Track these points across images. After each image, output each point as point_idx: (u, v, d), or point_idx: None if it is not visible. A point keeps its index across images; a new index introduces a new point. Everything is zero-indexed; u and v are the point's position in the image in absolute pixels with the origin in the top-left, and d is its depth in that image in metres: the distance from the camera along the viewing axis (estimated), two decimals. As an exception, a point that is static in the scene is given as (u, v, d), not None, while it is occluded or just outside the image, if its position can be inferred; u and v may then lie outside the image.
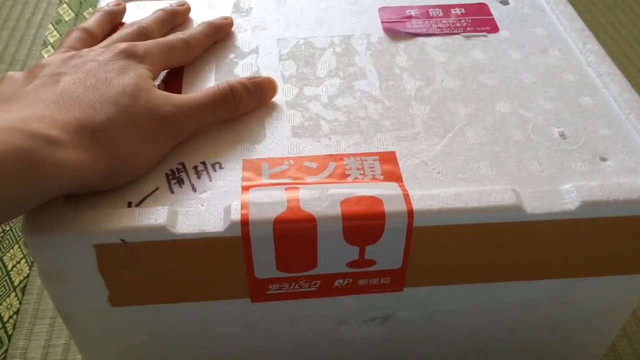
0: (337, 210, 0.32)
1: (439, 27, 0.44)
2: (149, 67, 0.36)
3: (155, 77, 0.37)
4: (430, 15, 0.45)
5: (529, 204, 0.33)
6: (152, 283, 0.34)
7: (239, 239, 0.32)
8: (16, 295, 0.52)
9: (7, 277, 0.54)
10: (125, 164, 0.33)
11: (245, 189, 0.33)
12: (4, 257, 0.55)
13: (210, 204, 0.33)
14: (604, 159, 0.35)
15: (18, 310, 0.51)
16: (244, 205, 0.32)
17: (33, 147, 0.28)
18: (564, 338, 0.42)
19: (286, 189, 0.33)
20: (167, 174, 0.34)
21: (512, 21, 0.45)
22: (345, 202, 0.32)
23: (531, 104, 0.39)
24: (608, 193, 0.33)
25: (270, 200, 0.32)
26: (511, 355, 0.43)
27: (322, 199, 0.32)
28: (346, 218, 0.32)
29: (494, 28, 0.45)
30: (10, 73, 0.35)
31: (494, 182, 0.34)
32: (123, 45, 0.36)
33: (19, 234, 0.57)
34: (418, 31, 0.44)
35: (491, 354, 0.43)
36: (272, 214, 0.32)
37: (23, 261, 0.55)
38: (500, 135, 0.37)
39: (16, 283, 0.53)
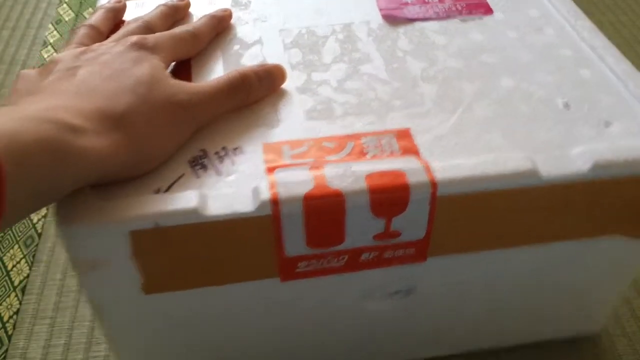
0: (363, 185, 0.33)
1: (435, 12, 0.46)
2: (161, 58, 0.37)
3: (166, 69, 0.37)
4: (426, 1, 0.47)
5: (543, 169, 0.34)
6: (183, 268, 0.34)
7: (269, 217, 0.32)
8: (16, 295, 0.52)
9: (7, 277, 0.53)
10: (146, 152, 0.33)
11: (270, 170, 0.34)
12: (4, 257, 0.55)
13: (237, 186, 0.33)
14: (608, 125, 0.37)
15: (18, 310, 0.51)
16: (272, 185, 0.33)
17: (58, 136, 0.28)
18: (575, 300, 0.44)
19: (310, 168, 0.34)
20: (189, 161, 0.35)
21: (506, 4, 0.47)
22: (369, 176, 0.33)
23: (533, 79, 0.40)
24: (617, 154, 0.35)
25: (296, 179, 0.33)
26: (524, 320, 0.45)
27: (346, 175, 0.33)
28: (372, 191, 0.33)
29: (488, 11, 0.46)
30: (24, 71, 0.35)
31: (507, 151, 0.35)
32: (134, 37, 0.37)
33: (19, 234, 0.57)
34: (416, 16, 0.45)
35: (505, 320, 0.45)
36: (301, 191, 0.32)
37: (23, 261, 0.54)
38: (508, 108, 0.38)
39: (16, 283, 0.53)
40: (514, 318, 0.44)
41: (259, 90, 0.39)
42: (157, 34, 0.39)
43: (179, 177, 0.34)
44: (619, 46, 0.42)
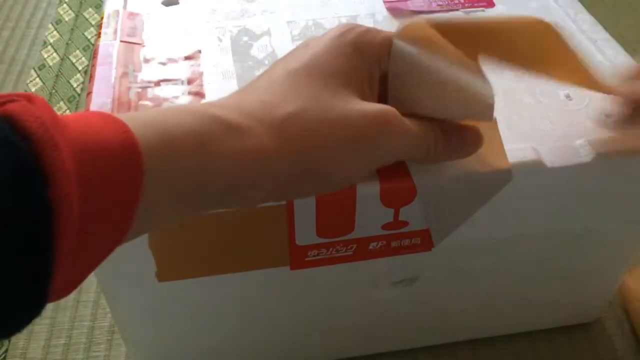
0: (374, 175, 0.34)
1: (438, 5, 0.47)
2: None
3: None
4: (430, -7, 0.48)
5: (547, 159, 0.35)
6: (198, 256, 0.35)
7: (283, 207, 0.33)
8: (17, 295, 0.52)
9: (7, 278, 0.54)
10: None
11: (282, 160, 0.35)
12: (4, 258, 0.55)
13: (252, 176, 0.34)
14: (608, 116, 0.38)
15: None
16: (285, 175, 0.34)
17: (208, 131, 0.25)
18: (575, 287, 0.45)
19: None
20: None
21: (507, -4, 0.48)
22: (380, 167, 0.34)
23: (535, 71, 0.41)
24: (617, 144, 0.36)
25: (309, 169, 0.34)
26: (524, 309, 0.46)
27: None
28: (383, 181, 0.34)
29: (490, 3, 0.47)
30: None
31: (512, 141, 0.36)
32: None
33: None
34: (420, 9, 0.46)
35: (508, 307, 0.46)
36: (314, 181, 0.33)
37: (23, 261, 0.55)
38: (512, 100, 0.39)
39: (16, 283, 0.53)
40: (514, 307, 0.46)
41: None
42: None
43: None
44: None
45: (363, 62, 0.30)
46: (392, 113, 0.29)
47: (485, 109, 0.32)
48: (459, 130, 0.32)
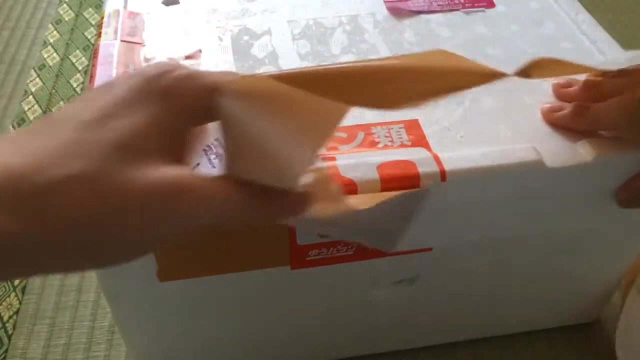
0: (375, 175, 0.34)
1: (439, 5, 0.47)
2: None
3: None
4: (430, -7, 0.48)
5: (548, 160, 0.35)
6: (199, 256, 0.35)
7: (284, 206, 0.33)
8: (16, 295, 0.52)
9: (6, 277, 0.54)
10: None
11: (283, 160, 0.35)
12: (4, 258, 0.55)
13: (252, 176, 0.34)
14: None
15: (18, 310, 0.51)
16: (286, 175, 0.34)
17: None
18: (575, 287, 0.45)
19: (323, 158, 0.35)
20: (204, 150, 0.35)
21: (507, -4, 0.48)
22: (381, 166, 0.34)
23: (536, 71, 0.41)
24: (618, 145, 0.36)
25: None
26: (526, 307, 0.46)
27: (359, 165, 0.34)
28: (384, 181, 0.34)
29: (490, 4, 0.47)
30: None
31: (514, 142, 0.36)
32: None
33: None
34: (420, 9, 0.46)
35: (508, 307, 0.46)
36: (315, 180, 0.33)
37: (23, 261, 0.55)
38: (514, 100, 0.39)
39: (16, 283, 0.53)
40: (514, 307, 0.46)
41: None
42: None
43: (195, 167, 0.35)
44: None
45: (171, 114, 0.27)
46: (186, 181, 0.26)
47: (290, 177, 0.27)
48: (277, 194, 0.28)
